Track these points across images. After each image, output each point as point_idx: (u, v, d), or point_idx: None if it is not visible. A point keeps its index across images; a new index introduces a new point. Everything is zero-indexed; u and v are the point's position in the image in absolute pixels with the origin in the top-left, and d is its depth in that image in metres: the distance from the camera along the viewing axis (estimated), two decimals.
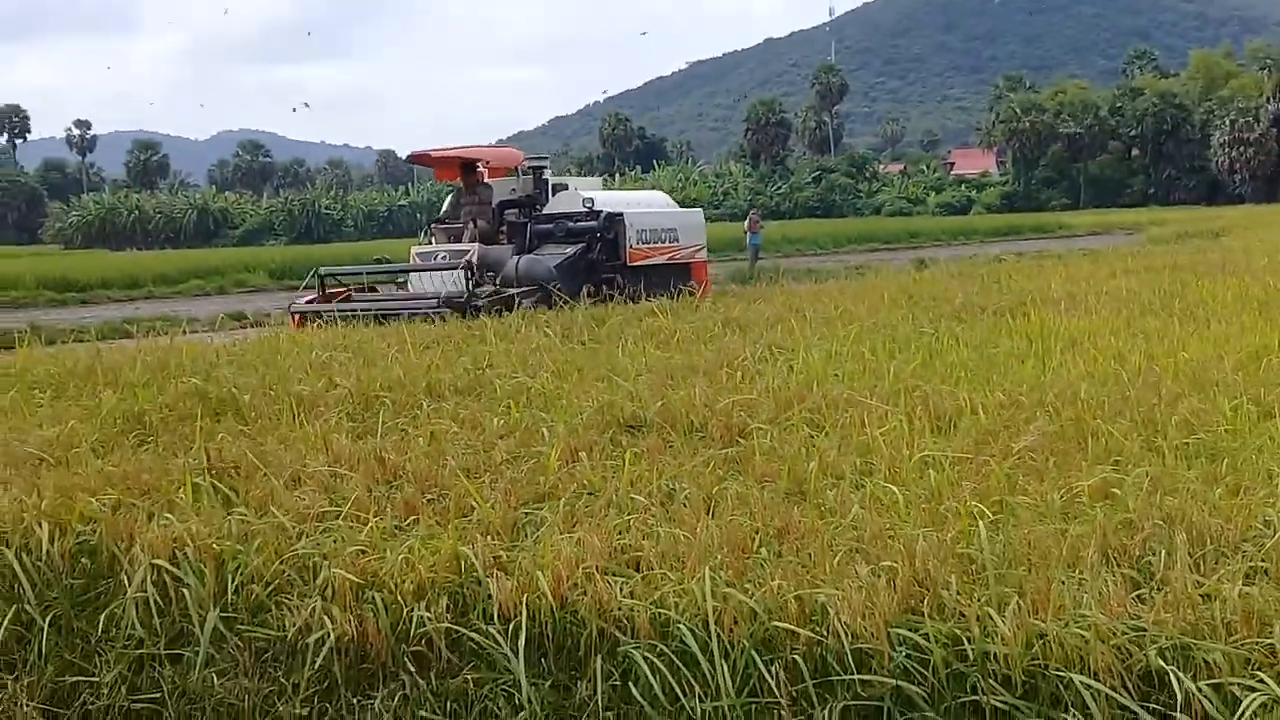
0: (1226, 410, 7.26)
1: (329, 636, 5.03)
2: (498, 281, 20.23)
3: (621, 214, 22.14)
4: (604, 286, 20.05)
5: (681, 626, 4.62)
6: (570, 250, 21.33)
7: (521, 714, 4.68)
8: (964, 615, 4.39)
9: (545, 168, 23.68)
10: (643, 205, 24.49)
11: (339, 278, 22.00)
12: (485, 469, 6.68)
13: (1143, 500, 5.45)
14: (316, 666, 5.04)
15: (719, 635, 4.53)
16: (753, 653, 4.51)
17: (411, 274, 21.78)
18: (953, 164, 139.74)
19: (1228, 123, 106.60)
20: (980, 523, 5.06)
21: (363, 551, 5.39)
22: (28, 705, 5.37)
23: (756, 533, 5.37)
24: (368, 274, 22.78)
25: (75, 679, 5.48)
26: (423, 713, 4.85)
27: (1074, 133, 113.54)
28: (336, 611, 5.10)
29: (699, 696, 4.48)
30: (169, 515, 5.93)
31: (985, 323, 12.61)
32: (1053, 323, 11.92)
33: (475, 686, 4.84)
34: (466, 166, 23.02)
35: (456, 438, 7.50)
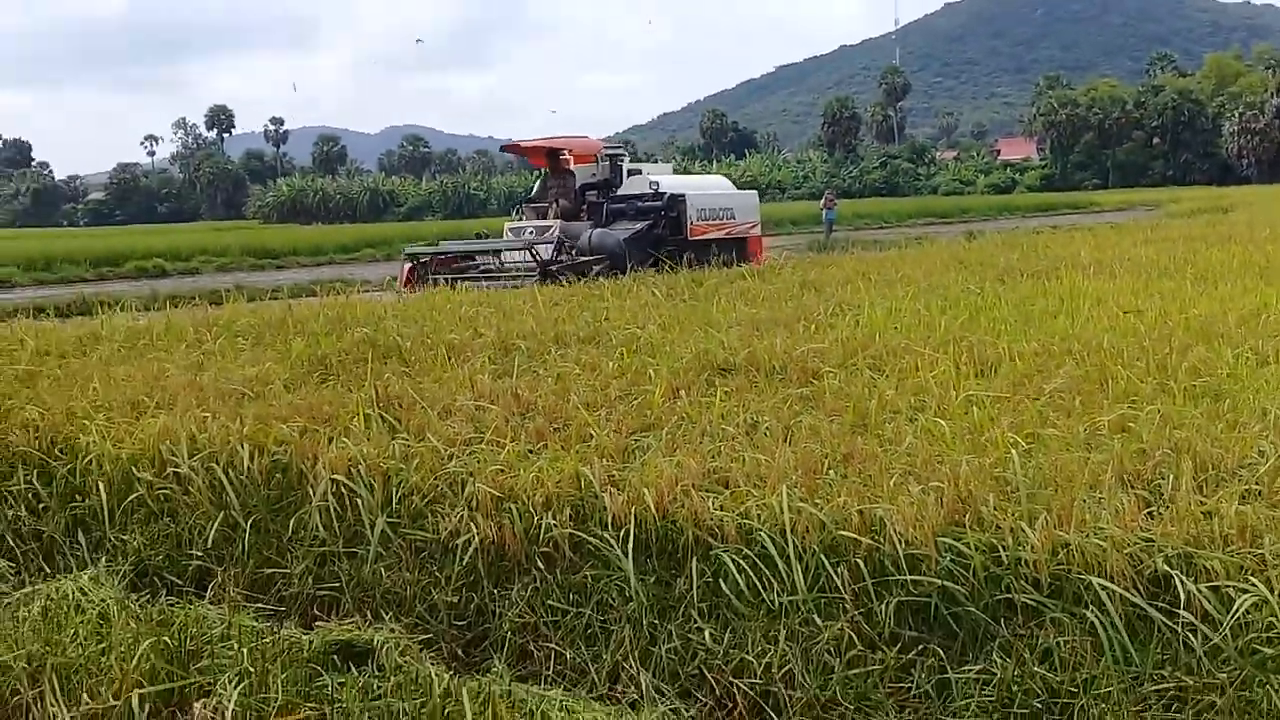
0: (1229, 358, 7.09)
1: (475, 539, 5.10)
2: (574, 252, 19.83)
3: (683, 195, 21.64)
4: (667, 257, 19.43)
5: (763, 534, 4.62)
6: (638, 226, 20.95)
7: (630, 604, 4.72)
8: (1000, 527, 4.35)
9: (621, 155, 23.21)
10: (703, 187, 23.88)
11: (441, 252, 20.71)
12: (602, 404, 6.68)
13: (1155, 433, 5.34)
14: (464, 563, 5.12)
15: (794, 542, 4.54)
16: (821, 556, 4.50)
17: (504, 246, 20.62)
18: (999, 151, 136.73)
19: (1237, 115, 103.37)
20: (1015, 451, 5.00)
21: (501, 470, 5.44)
22: (234, 590, 5.50)
23: (826, 458, 5.33)
24: (453, 251, 21.19)
25: (271, 570, 5.61)
26: (550, 601, 4.90)
27: (1104, 124, 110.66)
28: (480, 519, 5.16)
29: (777, 591, 4.49)
30: (345, 439, 6.01)
31: (1024, 284, 12.37)
32: (1082, 284, 11.68)
33: (593, 581, 4.88)
34: (552, 154, 22.72)
35: (579, 378, 7.52)
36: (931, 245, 23.84)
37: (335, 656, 4.44)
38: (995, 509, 4.47)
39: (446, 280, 17.10)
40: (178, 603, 5.04)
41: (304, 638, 4.58)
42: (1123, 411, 5.81)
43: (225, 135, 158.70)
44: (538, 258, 18.93)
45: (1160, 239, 20.07)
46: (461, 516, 5.21)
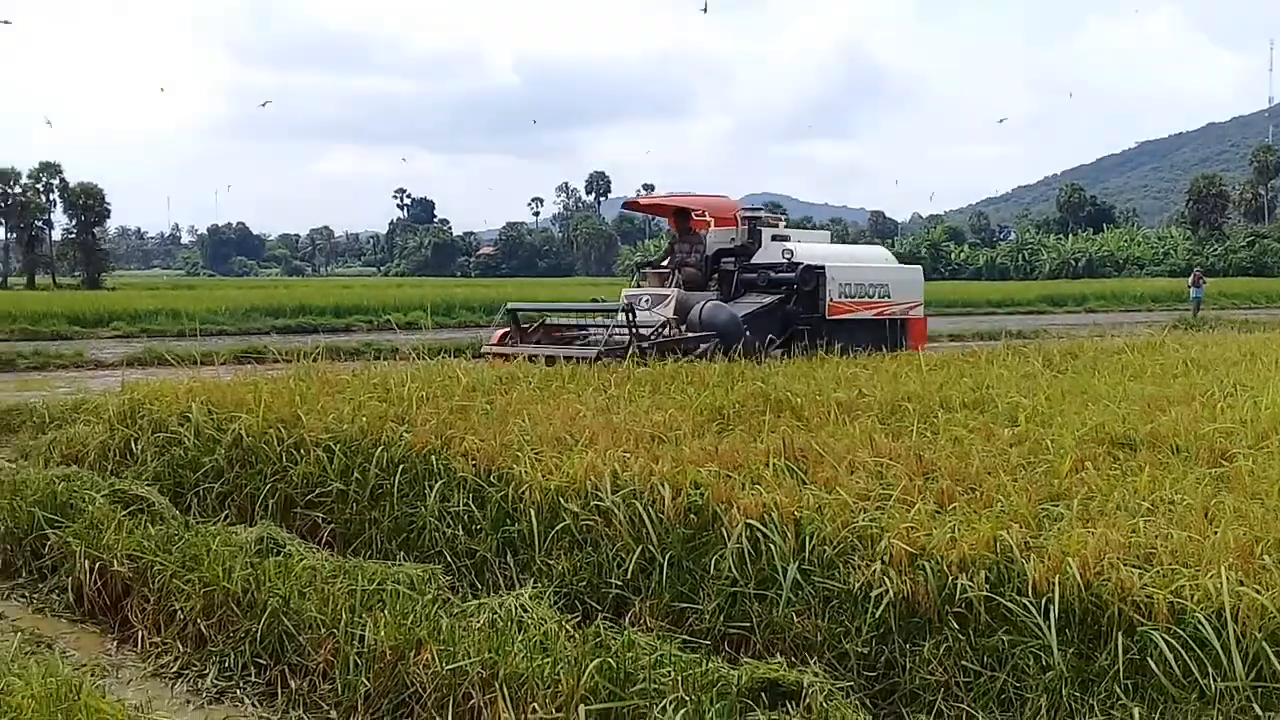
0: None
1: (888, 593, 5.03)
2: (684, 327, 16.32)
3: (822, 266, 17.85)
4: (798, 339, 16.75)
5: (1198, 615, 4.33)
6: (766, 300, 17.52)
7: (1049, 674, 4.52)
8: None
9: (760, 218, 19.50)
10: (849, 259, 19.61)
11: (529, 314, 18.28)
12: (1003, 470, 6.47)
13: None
14: (875, 615, 5.05)
15: (1233, 626, 4.23)
16: (1263, 643, 4.18)
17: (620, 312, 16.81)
18: None
19: None
20: None
21: (913, 528, 5.35)
22: (650, 620, 5.64)
23: (1257, 541, 4.94)
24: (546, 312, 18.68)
25: (684, 605, 5.71)
26: (963, 662, 4.76)
27: None
28: (893, 574, 5.09)
29: (1211, 677, 4.19)
30: (758, 486, 6.09)
31: None
32: None
33: (1007, 646, 4.71)
34: (680, 214, 19.33)
35: (973, 443, 7.32)
36: None
37: (763, 693, 4.47)
38: None
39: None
40: (611, 628, 5.21)
41: (732, 672, 4.64)
42: None
43: (602, 199, 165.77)
44: (610, 333, 15.98)
45: None
46: (874, 570, 5.15)
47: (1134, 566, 4.73)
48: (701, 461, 6.58)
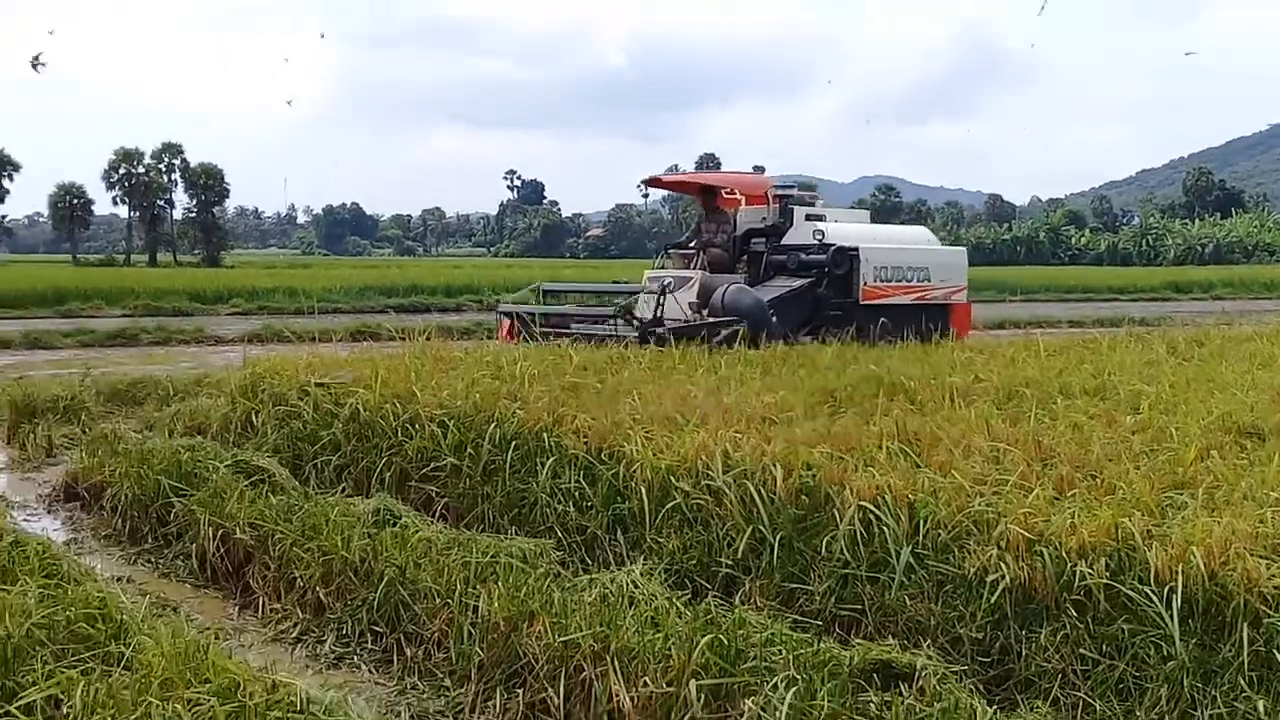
0: None
1: (1004, 579, 4.98)
2: (705, 311, 15.48)
3: (856, 249, 16.78)
4: (830, 325, 15.75)
5: None
6: (794, 284, 16.45)
7: (1170, 664, 4.44)
8: None
9: (792, 196, 18.17)
10: (886, 240, 18.35)
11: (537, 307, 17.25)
12: (1125, 458, 6.35)
13: None
14: (991, 601, 5.01)
15: None
16: None
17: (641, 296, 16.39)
18: None
19: None
20: None
21: (1029, 514, 5.29)
22: (760, 600, 5.67)
23: None
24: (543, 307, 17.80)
25: (794, 586, 5.73)
26: (1081, 650, 4.71)
27: None
28: (1009, 559, 5.04)
29: None
30: (871, 468, 6.07)
31: None
32: None
33: (1127, 635, 4.64)
34: (706, 192, 18.42)
35: (1093, 430, 7.20)
36: None
37: (875, 674, 4.48)
38: None
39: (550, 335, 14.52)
40: (721, 606, 5.25)
41: (843, 653, 4.65)
42: None
43: None
44: (634, 318, 14.92)
45: None
46: (990, 556, 5.10)
47: (1261, 557, 4.62)
48: (813, 443, 6.58)
